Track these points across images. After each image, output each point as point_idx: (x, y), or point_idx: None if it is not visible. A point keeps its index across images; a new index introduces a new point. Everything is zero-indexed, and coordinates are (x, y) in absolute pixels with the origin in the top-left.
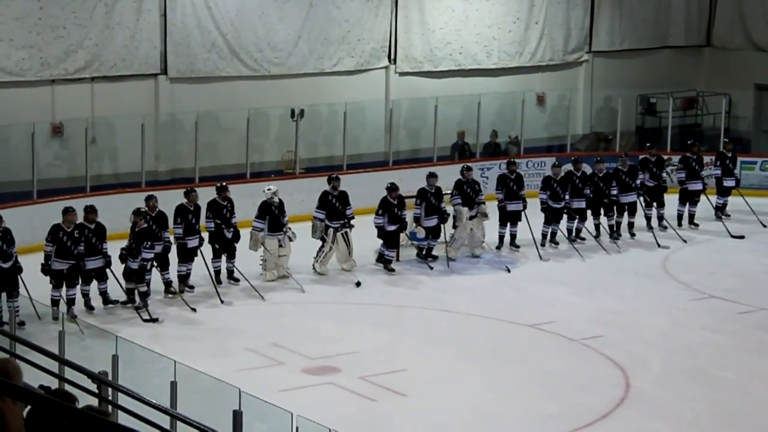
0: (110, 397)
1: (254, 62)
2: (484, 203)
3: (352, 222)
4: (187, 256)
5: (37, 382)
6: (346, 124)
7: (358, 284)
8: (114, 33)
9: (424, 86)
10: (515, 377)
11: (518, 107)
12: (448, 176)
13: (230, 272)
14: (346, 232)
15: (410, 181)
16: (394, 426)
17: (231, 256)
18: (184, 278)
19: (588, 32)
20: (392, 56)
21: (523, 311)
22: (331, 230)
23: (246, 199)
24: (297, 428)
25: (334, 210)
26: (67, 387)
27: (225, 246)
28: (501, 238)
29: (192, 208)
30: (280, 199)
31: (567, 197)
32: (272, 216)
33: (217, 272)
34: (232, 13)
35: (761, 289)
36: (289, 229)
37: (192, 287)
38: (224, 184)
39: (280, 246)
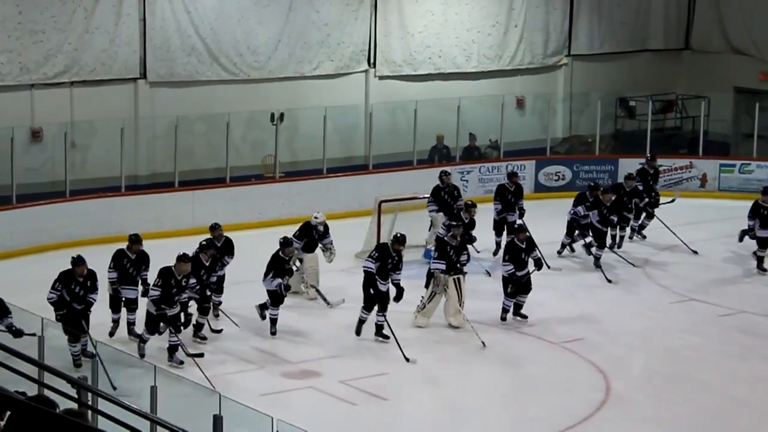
0: (90, 402)
1: (234, 66)
2: (462, 208)
3: (465, 269)
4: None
5: (17, 388)
6: (326, 128)
7: (484, 345)
8: (93, 37)
9: (403, 90)
10: (496, 380)
11: (498, 111)
12: (428, 180)
13: (380, 327)
14: (458, 278)
15: (389, 185)
16: (375, 430)
17: (382, 309)
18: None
19: (567, 36)
20: (372, 60)
21: (486, 309)
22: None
23: (226, 204)
24: None
25: (449, 260)
26: (47, 392)
27: (379, 298)
28: (498, 244)
29: (219, 245)
30: (325, 224)
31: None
32: (311, 239)
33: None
34: (211, 17)
35: (741, 291)
36: (332, 247)
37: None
38: (400, 234)
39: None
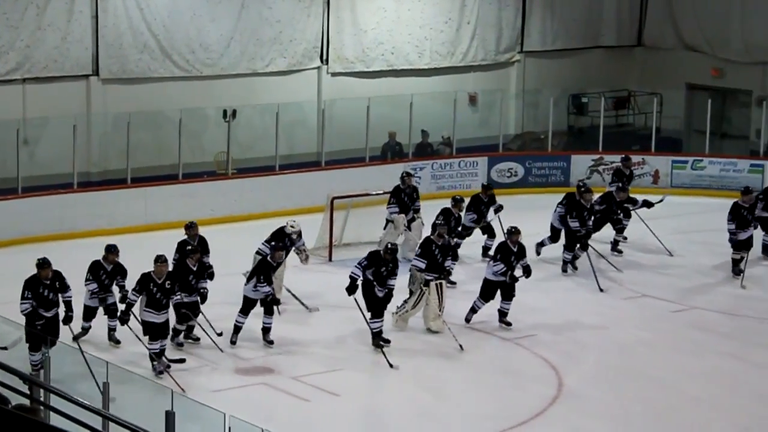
0: (42, 399)
1: (186, 63)
2: (419, 209)
3: (451, 274)
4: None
5: None
6: (278, 125)
7: (461, 347)
8: (45, 34)
9: (356, 86)
10: (449, 376)
11: (450, 107)
12: (380, 176)
13: (378, 333)
14: (441, 284)
15: (342, 182)
16: (328, 426)
17: (377, 315)
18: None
19: (520, 32)
20: (324, 57)
21: (457, 311)
22: (429, 284)
23: (178, 200)
24: (230, 428)
25: (434, 261)
26: None
27: (373, 304)
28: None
29: (196, 243)
30: (299, 231)
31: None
32: (282, 244)
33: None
34: (163, 14)
35: (693, 287)
36: (305, 248)
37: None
38: (391, 245)
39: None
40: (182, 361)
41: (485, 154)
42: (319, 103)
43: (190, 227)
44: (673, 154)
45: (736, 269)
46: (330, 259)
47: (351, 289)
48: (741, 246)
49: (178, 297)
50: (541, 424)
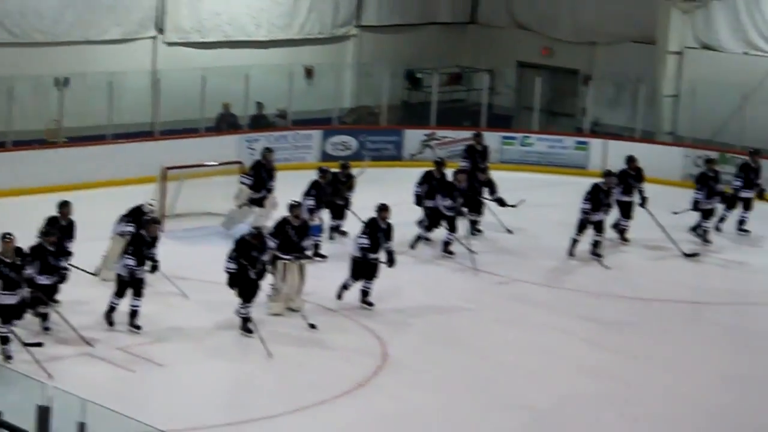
0: None
1: (18, 29)
2: (272, 190)
3: (314, 252)
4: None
5: None
6: (112, 94)
7: (313, 326)
8: None
9: (192, 57)
10: (274, 347)
11: (287, 80)
12: (214, 147)
13: (247, 319)
14: (302, 264)
15: (175, 152)
16: (149, 395)
17: (248, 299)
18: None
19: (356, 7)
20: (160, 26)
21: (322, 290)
22: (280, 263)
23: (5, 168)
24: (51, 398)
25: (289, 242)
26: None
27: (246, 287)
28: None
29: (66, 224)
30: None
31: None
32: (140, 225)
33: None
34: None
35: (516, 261)
36: None
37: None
38: (256, 230)
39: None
40: (40, 344)
41: (320, 127)
42: (153, 73)
43: (63, 206)
44: (503, 130)
45: (573, 250)
46: (162, 230)
47: (232, 283)
48: (591, 227)
49: (30, 271)
50: (364, 394)
